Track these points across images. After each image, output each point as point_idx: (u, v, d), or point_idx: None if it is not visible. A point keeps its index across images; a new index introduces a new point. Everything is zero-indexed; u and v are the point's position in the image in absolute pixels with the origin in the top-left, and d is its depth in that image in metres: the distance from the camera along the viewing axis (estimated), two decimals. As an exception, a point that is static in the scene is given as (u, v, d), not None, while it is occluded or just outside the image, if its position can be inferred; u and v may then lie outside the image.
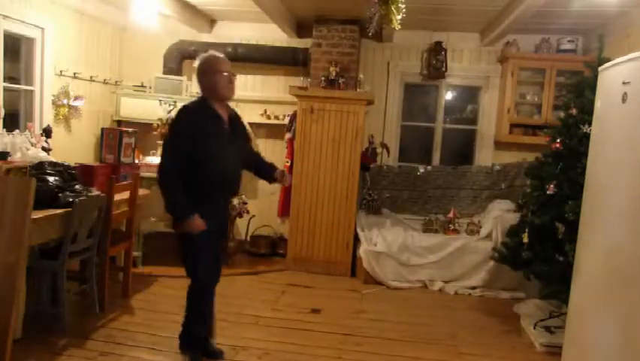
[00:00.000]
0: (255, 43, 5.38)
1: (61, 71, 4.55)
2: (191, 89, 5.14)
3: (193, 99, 2.82)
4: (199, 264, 2.73)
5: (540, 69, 5.01)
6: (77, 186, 3.34)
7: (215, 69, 2.65)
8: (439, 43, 5.21)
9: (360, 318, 3.80)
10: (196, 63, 2.73)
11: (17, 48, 4.27)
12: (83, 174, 3.70)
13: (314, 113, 4.80)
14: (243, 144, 2.91)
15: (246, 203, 5.07)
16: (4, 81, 3.95)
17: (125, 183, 3.81)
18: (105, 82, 5.27)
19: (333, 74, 4.82)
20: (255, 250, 5.33)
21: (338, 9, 4.66)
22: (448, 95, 5.59)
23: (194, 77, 5.43)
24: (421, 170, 5.31)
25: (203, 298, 2.84)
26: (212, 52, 2.79)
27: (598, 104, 2.75)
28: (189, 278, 2.78)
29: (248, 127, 3.08)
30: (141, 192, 4.07)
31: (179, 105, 4.89)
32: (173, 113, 4.92)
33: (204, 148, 2.59)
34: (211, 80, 2.65)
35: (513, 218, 4.20)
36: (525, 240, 3.67)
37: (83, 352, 2.92)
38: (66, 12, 4.61)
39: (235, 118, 2.84)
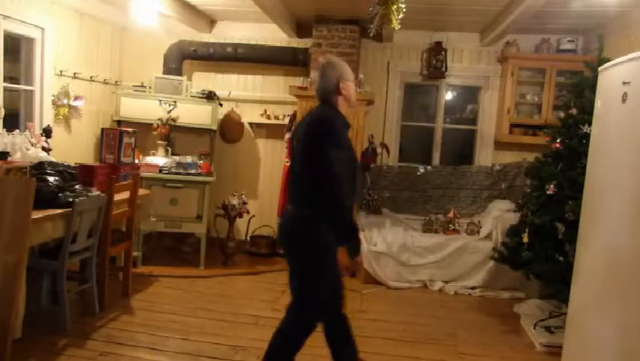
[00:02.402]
0: (255, 43, 5.38)
1: (61, 71, 4.55)
2: (191, 89, 5.14)
3: (319, 108, 2.45)
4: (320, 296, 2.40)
5: (540, 69, 5.01)
6: (77, 186, 3.34)
7: (350, 76, 2.44)
8: (439, 44, 5.21)
9: (360, 318, 3.80)
10: (328, 67, 2.43)
11: (17, 48, 4.27)
12: (83, 174, 3.70)
13: (314, 113, 4.79)
14: None
15: (245, 203, 5.07)
16: (4, 81, 3.95)
17: (125, 183, 3.81)
18: (105, 82, 5.27)
19: (333, 74, 4.81)
20: (255, 250, 5.33)
21: (338, 9, 4.66)
22: (448, 95, 5.59)
23: (195, 77, 5.54)
24: (421, 170, 5.31)
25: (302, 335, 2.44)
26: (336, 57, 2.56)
27: (598, 104, 2.75)
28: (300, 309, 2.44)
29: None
30: (141, 192, 4.07)
31: (180, 105, 5.03)
32: (173, 114, 4.98)
33: (351, 162, 2.34)
34: (349, 88, 2.42)
35: (513, 218, 4.20)
36: (525, 240, 3.67)
37: (83, 352, 2.92)
38: (66, 12, 4.61)
39: None
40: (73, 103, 4.69)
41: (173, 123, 4.99)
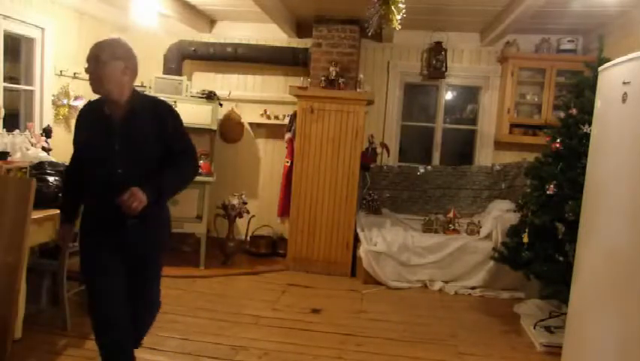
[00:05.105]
0: (255, 43, 5.38)
1: (61, 71, 4.55)
2: (191, 89, 5.14)
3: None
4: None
5: (540, 69, 5.00)
6: (77, 186, 3.34)
7: None
8: (439, 44, 5.21)
9: (360, 318, 3.80)
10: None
11: (17, 48, 4.27)
12: (83, 174, 3.69)
13: (314, 113, 4.80)
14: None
15: (245, 203, 5.07)
16: (4, 81, 3.95)
17: (125, 183, 3.80)
18: (105, 82, 5.27)
19: (333, 74, 4.82)
20: (255, 250, 5.33)
21: (338, 9, 4.66)
22: (448, 95, 5.59)
23: (195, 77, 5.54)
24: (421, 170, 5.31)
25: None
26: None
27: (598, 104, 2.75)
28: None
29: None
30: (141, 192, 4.06)
31: (180, 105, 5.01)
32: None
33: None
34: None
35: (513, 218, 4.20)
36: (525, 240, 3.67)
37: (83, 352, 2.92)
38: (66, 12, 4.61)
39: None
40: (73, 103, 4.69)
41: (173, 123, 4.98)
